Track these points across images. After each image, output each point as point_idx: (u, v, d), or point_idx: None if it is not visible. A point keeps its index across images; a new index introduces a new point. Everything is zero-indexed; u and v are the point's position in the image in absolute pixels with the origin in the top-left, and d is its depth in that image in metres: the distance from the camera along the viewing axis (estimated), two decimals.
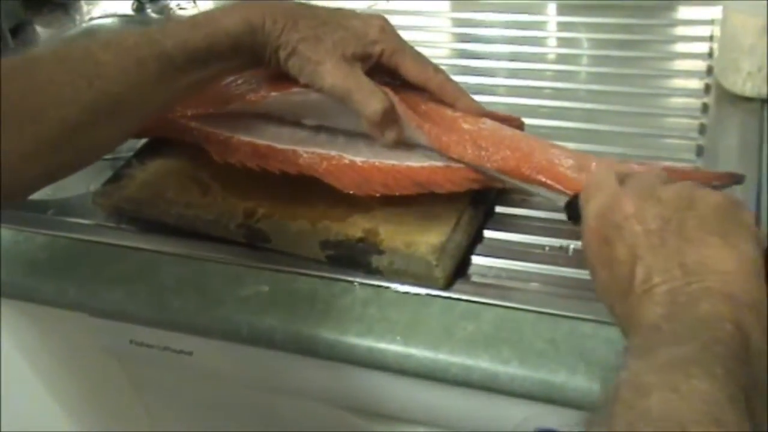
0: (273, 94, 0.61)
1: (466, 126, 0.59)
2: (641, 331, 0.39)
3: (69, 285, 0.62)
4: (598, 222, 0.44)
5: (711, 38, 0.75)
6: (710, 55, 0.73)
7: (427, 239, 0.56)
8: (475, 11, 0.86)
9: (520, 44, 0.79)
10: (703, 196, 0.43)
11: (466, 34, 0.84)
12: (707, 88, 0.70)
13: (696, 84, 0.71)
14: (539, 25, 0.83)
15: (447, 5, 0.89)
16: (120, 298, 0.60)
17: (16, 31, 0.97)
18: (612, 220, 0.43)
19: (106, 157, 0.67)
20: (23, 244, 0.66)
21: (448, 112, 0.60)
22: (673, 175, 0.47)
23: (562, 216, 0.59)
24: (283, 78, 0.60)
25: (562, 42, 0.81)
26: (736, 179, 0.54)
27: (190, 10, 0.96)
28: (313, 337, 0.55)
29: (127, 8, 0.98)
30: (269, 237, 0.60)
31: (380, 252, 0.57)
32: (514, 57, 0.78)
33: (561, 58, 0.78)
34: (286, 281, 0.59)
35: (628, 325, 0.41)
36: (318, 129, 0.62)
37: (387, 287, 0.57)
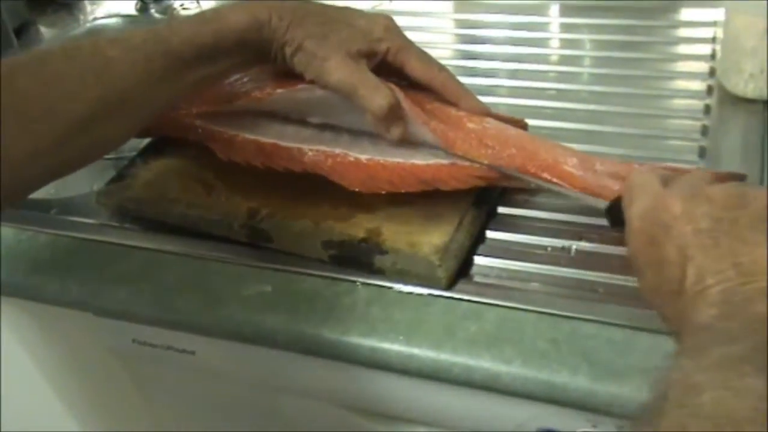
0: (278, 91, 0.61)
1: (471, 125, 0.59)
2: (693, 331, 0.39)
3: (72, 284, 0.62)
4: (643, 223, 0.44)
5: (713, 40, 0.75)
6: (713, 56, 0.73)
7: (430, 239, 0.57)
8: (477, 12, 0.86)
9: (523, 45, 0.80)
10: (755, 195, 0.42)
11: (468, 35, 0.84)
12: (710, 90, 0.70)
13: (698, 85, 0.71)
14: (542, 27, 0.83)
15: (450, 6, 0.89)
16: (123, 298, 0.61)
17: (20, 32, 0.97)
18: (659, 220, 0.43)
19: (109, 156, 0.68)
20: (26, 243, 0.66)
21: (453, 111, 0.60)
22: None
23: (565, 217, 0.59)
24: (288, 76, 0.60)
25: (565, 43, 0.81)
26: (737, 179, 0.54)
27: (193, 10, 0.96)
28: (315, 336, 0.55)
29: (130, 8, 0.98)
30: (272, 237, 0.60)
31: (383, 252, 0.57)
32: (516, 58, 0.78)
33: (563, 60, 0.78)
34: (289, 281, 0.59)
35: (679, 327, 0.41)
36: (323, 127, 0.62)
37: (390, 287, 0.57)
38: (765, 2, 0.63)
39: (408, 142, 0.59)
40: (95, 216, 0.67)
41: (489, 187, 0.60)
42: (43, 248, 0.66)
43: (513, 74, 0.76)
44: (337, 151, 0.60)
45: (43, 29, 1.00)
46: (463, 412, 0.57)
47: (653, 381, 0.36)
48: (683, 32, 0.80)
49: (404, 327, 0.54)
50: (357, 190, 0.58)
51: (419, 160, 0.59)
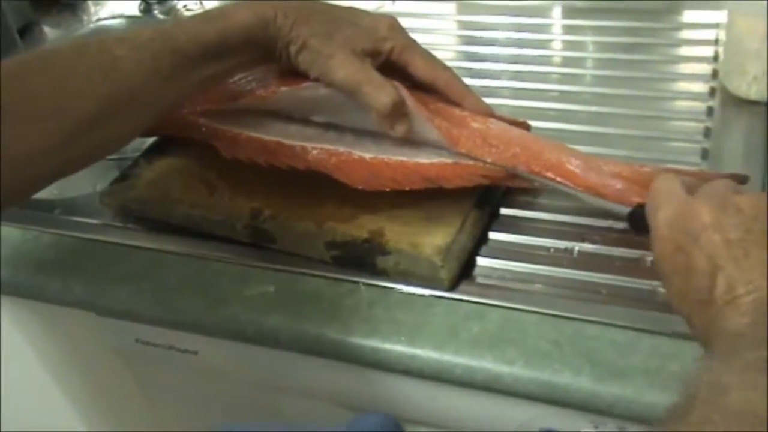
0: (282, 89, 0.61)
1: (475, 125, 0.59)
2: (723, 338, 0.39)
3: (75, 284, 0.62)
4: (670, 231, 0.44)
5: (716, 42, 0.75)
6: (715, 58, 0.73)
7: (433, 240, 0.57)
8: (480, 14, 0.86)
9: (526, 47, 0.80)
10: None
11: (471, 36, 0.84)
12: (712, 92, 0.70)
13: (701, 87, 0.71)
14: (544, 28, 0.83)
15: (453, 8, 0.89)
16: (126, 298, 0.61)
17: (24, 32, 0.97)
18: (687, 228, 0.43)
19: (113, 157, 0.68)
20: (30, 243, 0.66)
21: (457, 111, 0.60)
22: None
23: (567, 218, 0.59)
24: (292, 75, 0.61)
25: (568, 45, 0.81)
26: (739, 180, 0.54)
27: (196, 11, 0.96)
28: (318, 337, 0.55)
29: (134, 9, 0.98)
30: (275, 237, 0.60)
31: (386, 253, 0.57)
32: (519, 60, 0.78)
33: (566, 61, 0.78)
34: (291, 281, 0.59)
35: (706, 334, 0.41)
36: (326, 127, 0.63)
37: (392, 288, 0.57)
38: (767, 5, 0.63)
39: (412, 141, 0.59)
40: (99, 216, 0.67)
41: (492, 188, 0.60)
42: (47, 248, 0.66)
43: (516, 76, 0.76)
44: (341, 149, 0.60)
45: (47, 29, 1.00)
46: (466, 413, 0.57)
47: (683, 384, 0.36)
48: (686, 34, 0.80)
49: (407, 328, 0.54)
50: (360, 187, 0.58)
51: (423, 158, 0.59)
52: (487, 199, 0.61)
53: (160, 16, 0.97)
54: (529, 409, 0.53)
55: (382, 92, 0.56)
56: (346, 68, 0.57)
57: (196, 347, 0.64)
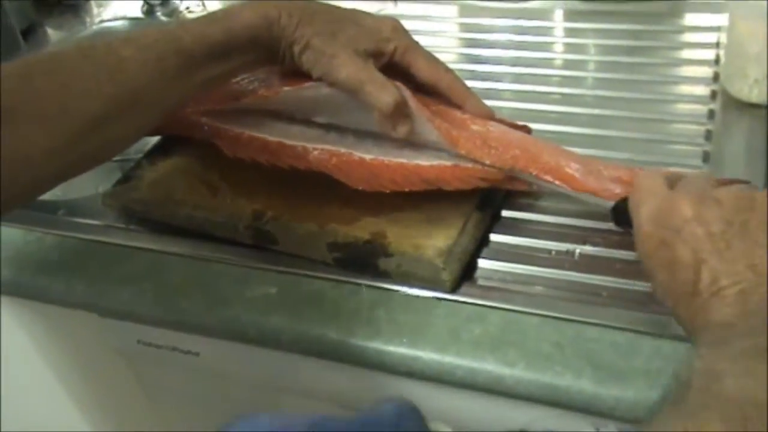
0: (285, 89, 0.62)
1: (475, 127, 0.59)
2: (712, 328, 0.40)
3: (78, 285, 0.62)
4: (653, 226, 0.45)
5: (717, 45, 0.75)
6: (716, 61, 0.73)
7: (435, 242, 0.57)
8: (482, 17, 0.86)
9: (527, 49, 0.80)
10: (762, 198, 0.43)
11: (473, 39, 0.84)
12: (713, 95, 0.70)
13: (702, 90, 0.71)
14: (546, 31, 0.83)
15: (454, 10, 0.90)
16: (128, 299, 0.61)
17: (26, 33, 0.97)
18: (669, 223, 0.44)
19: (115, 158, 0.68)
20: (33, 244, 0.67)
21: (458, 114, 0.61)
22: None
23: (568, 220, 0.60)
24: (295, 76, 0.61)
25: (569, 48, 0.81)
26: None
27: (198, 13, 0.97)
28: (320, 338, 0.56)
29: (137, 11, 0.99)
30: (277, 239, 0.60)
31: (388, 255, 0.57)
32: (520, 62, 0.78)
33: (568, 64, 0.78)
34: (293, 283, 0.59)
35: (693, 325, 0.42)
36: (328, 128, 0.63)
37: (394, 290, 0.57)
38: None
39: (413, 143, 0.60)
40: (101, 217, 0.67)
41: (493, 190, 0.61)
42: (50, 249, 0.66)
43: (517, 78, 0.76)
44: (342, 150, 0.61)
45: (49, 31, 1.00)
46: (467, 415, 0.57)
47: (674, 373, 0.36)
48: (687, 37, 0.80)
49: (408, 329, 0.54)
50: (360, 188, 0.58)
51: (423, 160, 0.59)
52: (489, 202, 0.61)
53: (163, 18, 0.97)
54: (530, 411, 0.53)
55: (384, 92, 0.57)
56: (349, 68, 0.57)
57: (198, 348, 0.64)
